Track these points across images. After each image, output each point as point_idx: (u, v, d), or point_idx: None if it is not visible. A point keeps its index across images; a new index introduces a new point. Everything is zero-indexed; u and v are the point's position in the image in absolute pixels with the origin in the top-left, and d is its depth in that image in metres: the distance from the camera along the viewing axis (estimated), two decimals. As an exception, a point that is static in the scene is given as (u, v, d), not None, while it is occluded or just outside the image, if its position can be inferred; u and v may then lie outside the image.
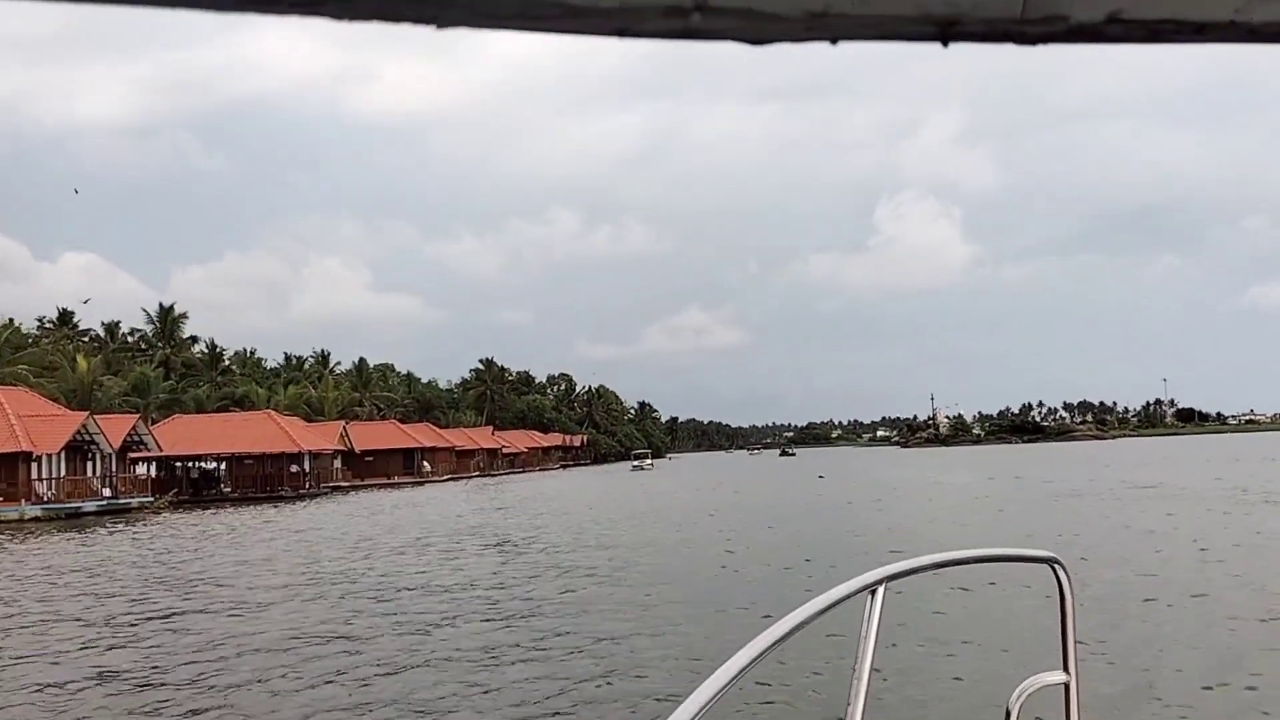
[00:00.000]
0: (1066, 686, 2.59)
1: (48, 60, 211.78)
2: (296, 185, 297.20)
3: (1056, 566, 2.61)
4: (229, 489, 61.66)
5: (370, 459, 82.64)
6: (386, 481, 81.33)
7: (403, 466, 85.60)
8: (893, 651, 10.13)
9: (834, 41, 0.51)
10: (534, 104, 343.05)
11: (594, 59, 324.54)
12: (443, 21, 0.45)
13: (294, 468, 62.26)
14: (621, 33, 0.47)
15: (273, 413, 65.48)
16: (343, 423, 77.32)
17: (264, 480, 61.29)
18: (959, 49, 0.50)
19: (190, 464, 63.11)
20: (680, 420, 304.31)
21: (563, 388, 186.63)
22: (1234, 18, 0.52)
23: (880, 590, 2.08)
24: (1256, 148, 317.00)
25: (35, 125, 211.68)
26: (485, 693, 10.46)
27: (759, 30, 0.49)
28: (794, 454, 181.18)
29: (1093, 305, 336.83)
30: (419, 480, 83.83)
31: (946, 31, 0.51)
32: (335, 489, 70.20)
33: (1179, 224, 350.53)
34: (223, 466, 63.70)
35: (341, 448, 74.70)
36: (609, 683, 10.70)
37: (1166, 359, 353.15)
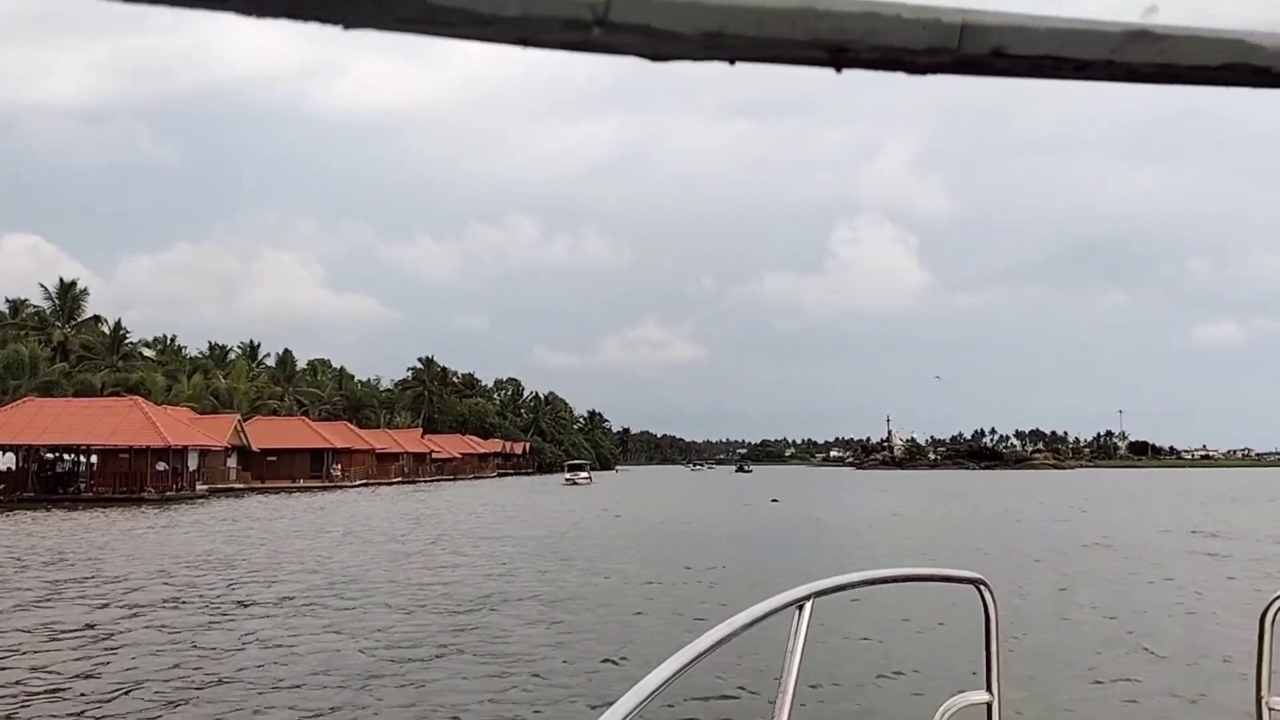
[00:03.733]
0: (989, 706, 2.58)
1: (1, 39, 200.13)
2: (254, 179, 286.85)
3: (982, 587, 2.61)
4: (86, 488, 52.55)
5: (272, 459, 73.29)
6: (290, 485, 72.02)
7: (310, 469, 76.41)
8: (819, 668, 9.84)
9: (731, 62, 0.50)
10: (502, 110, 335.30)
11: (566, 68, 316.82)
12: (349, 22, 0.45)
13: (160, 465, 53.00)
14: (524, 42, 0.47)
15: (140, 400, 56.04)
16: (237, 416, 67.91)
17: (125, 479, 52.10)
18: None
19: (49, 455, 53.93)
20: (633, 432, 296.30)
21: (510, 392, 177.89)
22: (1111, 57, 0.52)
23: (808, 606, 2.04)
24: (1202, 190, 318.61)
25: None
26: None
27: (658, 47, 0.49)
28: (750, 470, 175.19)
29: (1042, 336, 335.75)
30: (327, 485, 74.65)
31: (838, 58, 0.51)
32: (221, 491, 60.88)
33: (1127, 261, 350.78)
34: (93, 460, 54.54)
35: (234, 445, 65.40)
36: None
37: (1116, 392, 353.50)
